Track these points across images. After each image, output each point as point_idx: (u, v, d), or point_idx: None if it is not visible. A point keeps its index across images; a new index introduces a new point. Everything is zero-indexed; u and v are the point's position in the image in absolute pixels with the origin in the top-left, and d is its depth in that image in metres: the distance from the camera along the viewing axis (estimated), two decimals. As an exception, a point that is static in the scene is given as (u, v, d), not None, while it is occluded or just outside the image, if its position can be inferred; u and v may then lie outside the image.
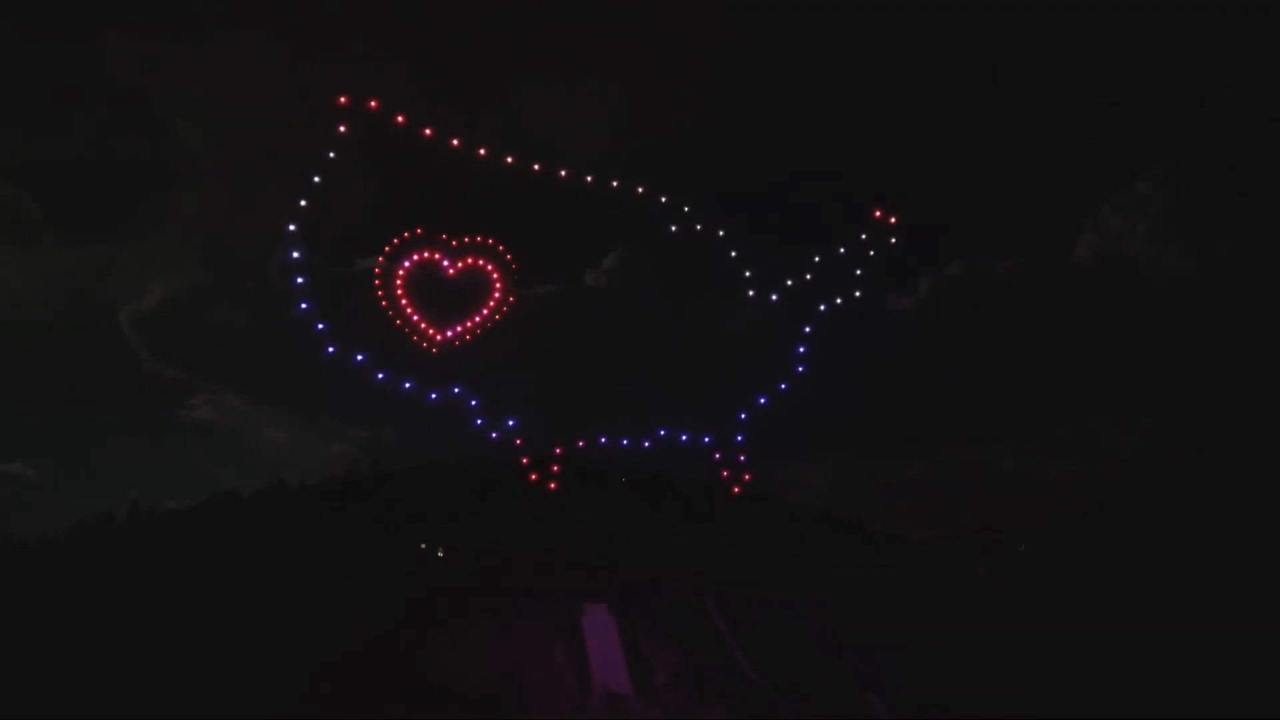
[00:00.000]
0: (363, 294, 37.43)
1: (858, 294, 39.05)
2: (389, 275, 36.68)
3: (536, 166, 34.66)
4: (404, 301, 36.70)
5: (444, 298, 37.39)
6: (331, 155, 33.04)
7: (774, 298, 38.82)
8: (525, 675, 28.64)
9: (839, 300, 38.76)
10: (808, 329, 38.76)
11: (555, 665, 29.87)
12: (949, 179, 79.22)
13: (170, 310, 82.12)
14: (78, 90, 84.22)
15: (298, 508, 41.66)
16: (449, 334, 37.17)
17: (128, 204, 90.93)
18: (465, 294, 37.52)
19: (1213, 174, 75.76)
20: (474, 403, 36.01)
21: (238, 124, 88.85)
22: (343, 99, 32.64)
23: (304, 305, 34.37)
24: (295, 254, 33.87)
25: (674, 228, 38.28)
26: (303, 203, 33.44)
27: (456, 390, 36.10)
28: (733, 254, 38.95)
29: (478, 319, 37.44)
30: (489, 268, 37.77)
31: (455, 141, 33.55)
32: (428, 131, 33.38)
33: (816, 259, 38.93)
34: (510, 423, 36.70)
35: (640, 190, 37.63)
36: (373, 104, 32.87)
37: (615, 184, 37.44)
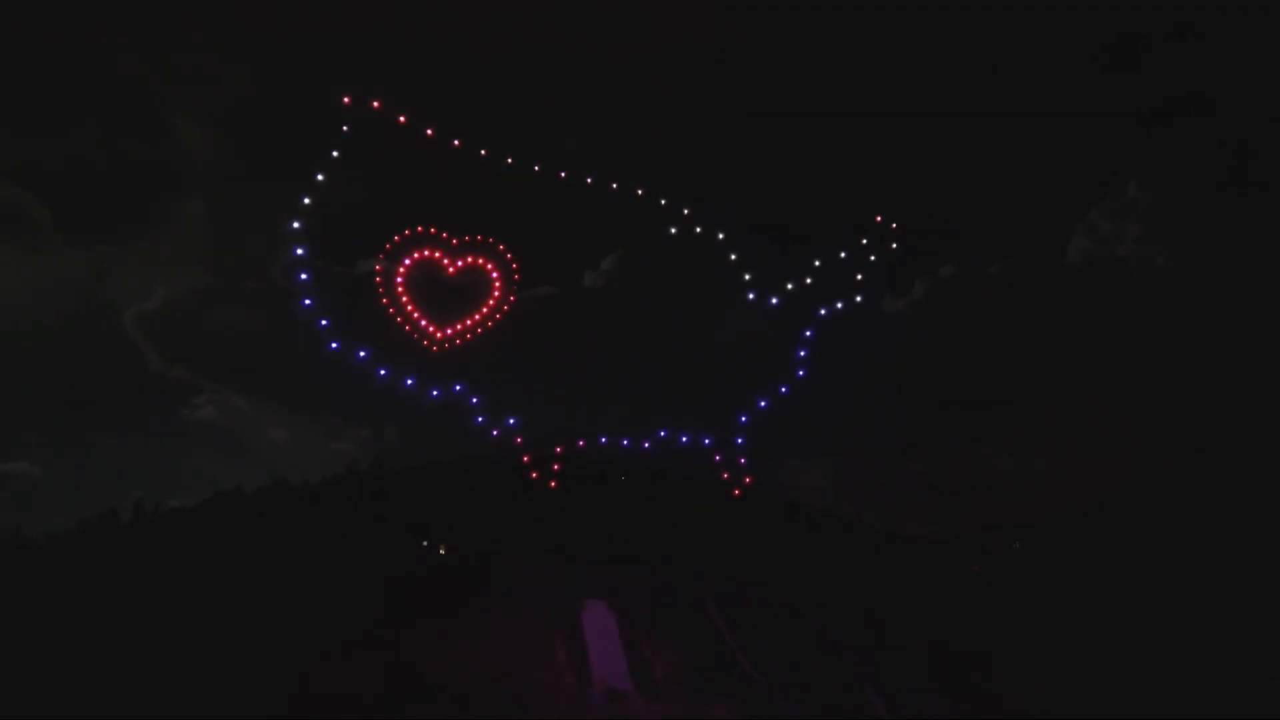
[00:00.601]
0: (364, 293, 37.40)
1: (859, 299, 38.97)
2: (389, 273, 36.65)
3: (537, 167, 34.59)
4: (404, 299, 36.67)
5: (444, 296, 37.36)
6: (335, 154, 33.00)
7: (774, 301, 38.74)
8: (525, 672, 28.50)
9: (840, 305, 38.67)
10: (808, 333, 38.70)
11: (555, 662, 29.72)
12: (944, 181, 79.16)
13: (174, 311, 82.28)
14: (83, 94, 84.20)
15: (300, 506, 41.61)
16: (449, 331, 37.13)
17: (132, 206, 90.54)
18: (466, 292, 37.50)
19: (1202, 177, 76.03)
20: (475, 400, 35.97)
21: (240, 126, 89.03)
22: (346, 99, 32.61)
23: (307, 301, 34.35)
24: (299, 251, 33.86)
25: (673, 230, 38.20)
26: (306, 200, 33.41)
27: (458, 388, 36.06)
28: (732, 257, 38.90)
29: (478, 317, 37.41)
30: (489, 266, 37.75)
31: (456, 142, 33.51)
32: (429, 131, 33.34)
33: (817, 263, 38.86)
34: (510, 421, 36.66)
35: (640, 192, 37.56)
36: (375, 104, 32.83)
37: (615, 185, 37.39)
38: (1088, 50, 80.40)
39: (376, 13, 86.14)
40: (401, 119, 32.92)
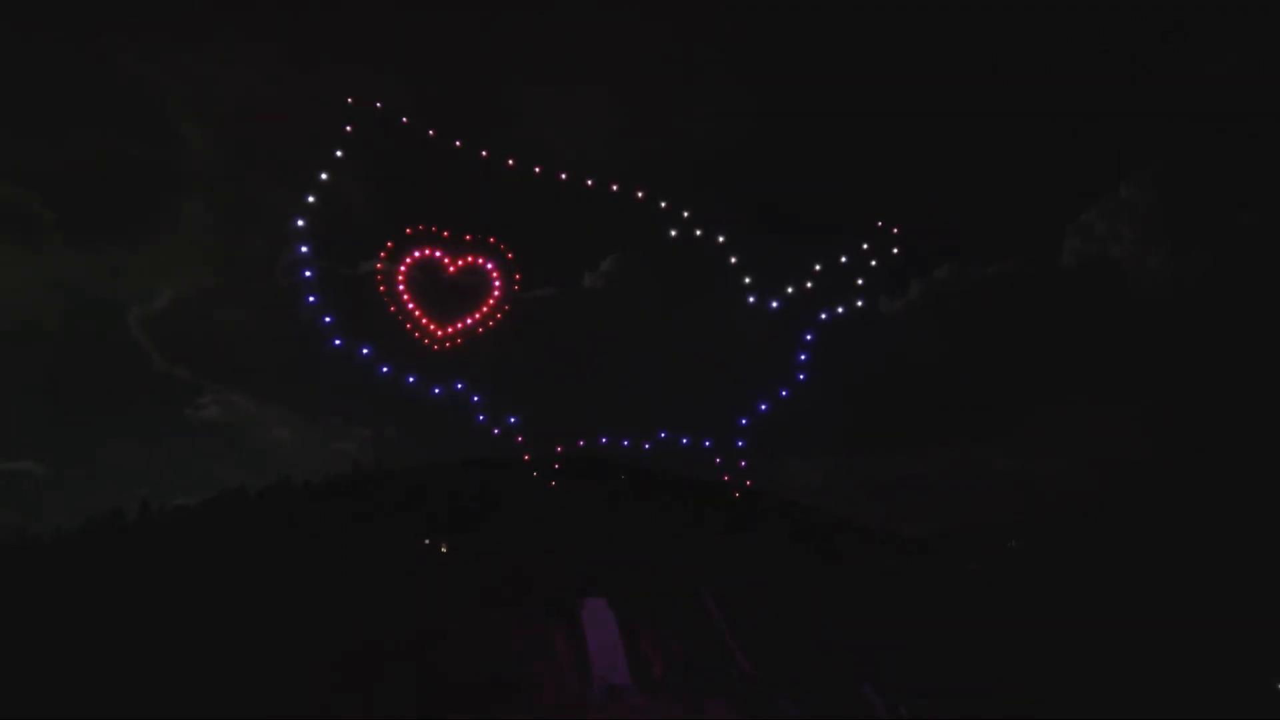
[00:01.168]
0: (366, 293, 37.39)
1: (859, 303, 38.72)
2: (390, 272, 36.63)
3: (538, 169, 34.51)
4: (405, 297, 36.65)
5: (445, 295, 37.34)
6: (339, 154, 33.00)
7: (774, 304, 38.55)
8: (526, 667, 28.47)
9: (840, 310, 38.46)
10: (809, 337, 38.51)
11: (555, 659, 29.70)
12: (940, 183, 79.24)
13: (178, 312, 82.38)
14: (86, 95, 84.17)
15: (303, 504, 41.62)
16: (450, 330, 37.11)
17: (136, 208, 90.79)
18: (466, 291, 37.48)
19: (1195, 179, 76.13)
20: (476, 399, 35.95)
21: (243, 128, 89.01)
22: (350, 99, 32.59)
23: (311, 298, 34.40)
24: (304, 248, 33.90)
25: (673, 232, 38.03)
26: (310, 199, 33.42)
27: (459, 386, 36.05)
28: (732, 259, 38.70)
29: (478, 316, 37.37)
30: (489, 266, 37.71)
31: (458, 143, 33.48)
32: (431, 132, 33.30)
33: (817, 267, 38.64)
34: (511, 420, 36.65)
35: (640, 194, 37.39)
36: (378, 105, 32.82)
37: (615, 187, 37.28)
38: (1083, 52, 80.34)
39: (378, 14, 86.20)
40: (404, 119, 32.87)
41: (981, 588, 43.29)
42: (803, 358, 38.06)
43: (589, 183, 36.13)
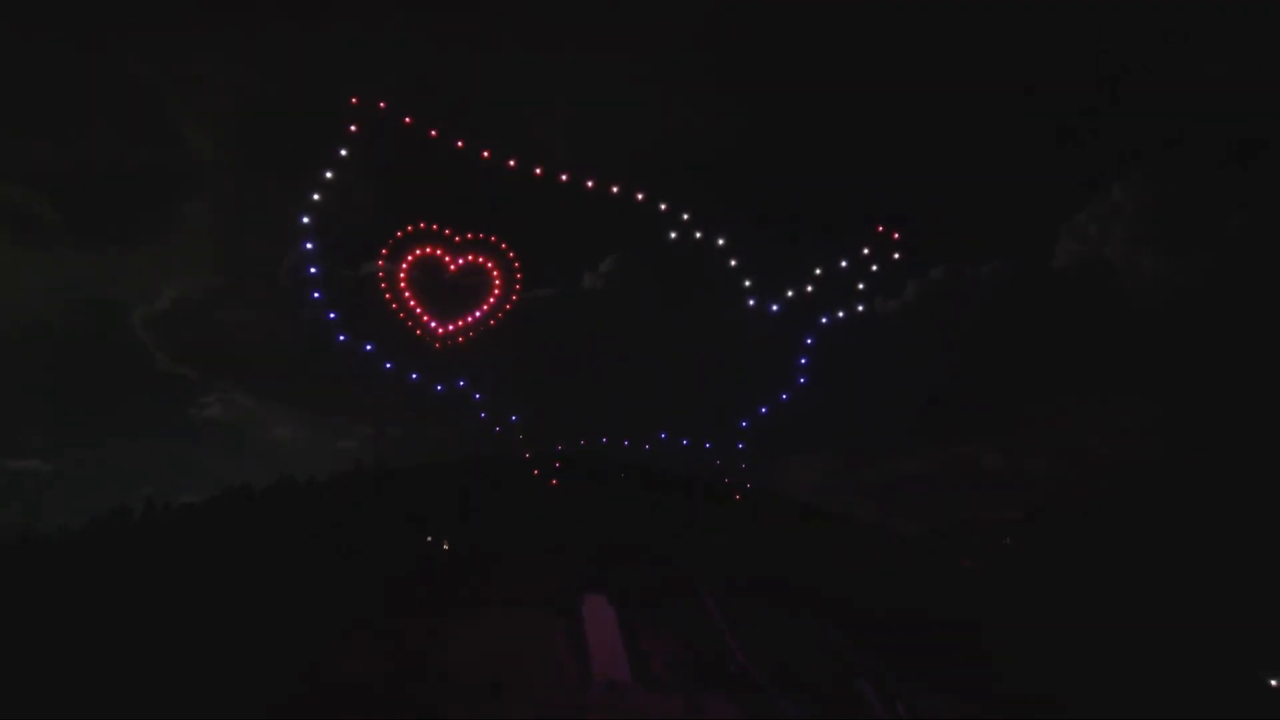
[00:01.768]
0: (369, 294, 37.36)
1: (860, 308, 38.39)
2: (392, 270, 36.58)
3: (538, 170, 34.36)
4: (407, 295, 36.60)
5: (447, 293, 37.28)
6: (343, 153, 32.93)
7: (774, 308, 38.30)
8: (527, 663, 28.48)
9: (841, 314, 38.11)
10: (809, 341, 38.27)
11: (556, 654, 29.73)
12: (934, 186, 79.26)
13: (182, 312, 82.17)
14: (92, 99, 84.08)
15: (307, 502, 41.61)
16: (451, 328, 37.05)
17: (141, 209, 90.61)
18: (468, 290, 37.42)
19: (1187, 181, 76.24)
20: (478, 396, 35.91)
21: (246, 130, 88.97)
22: (354, 100, 32.51)
23: (316, 295, 34.42)
24: (309, 245, 33.90)
25: (673, 234, 37.73)
26: (315, 196, 33.36)
27: (461, 384, 36.02)
28: (732, 263, 38.33)
29: (479, 314, 37.30)
30: (489, 265, 37.62)
31: (460, 143, 33.36)
32: (433, 133, 33.19)
33: (818, 271, 38.29)
34: (513, 419, 36.61)
35: (640, 196, 37.10)
36: (381, 105, 32.71)
37: (615, 189, 37.05)
38: (1078, 53, 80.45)
39: (379, 15, 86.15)
40: (407, 120, 32.76)
41: (977, 584, 43.35)
42: (803, 361, 37.88)
43: (589, 184, 35.89)
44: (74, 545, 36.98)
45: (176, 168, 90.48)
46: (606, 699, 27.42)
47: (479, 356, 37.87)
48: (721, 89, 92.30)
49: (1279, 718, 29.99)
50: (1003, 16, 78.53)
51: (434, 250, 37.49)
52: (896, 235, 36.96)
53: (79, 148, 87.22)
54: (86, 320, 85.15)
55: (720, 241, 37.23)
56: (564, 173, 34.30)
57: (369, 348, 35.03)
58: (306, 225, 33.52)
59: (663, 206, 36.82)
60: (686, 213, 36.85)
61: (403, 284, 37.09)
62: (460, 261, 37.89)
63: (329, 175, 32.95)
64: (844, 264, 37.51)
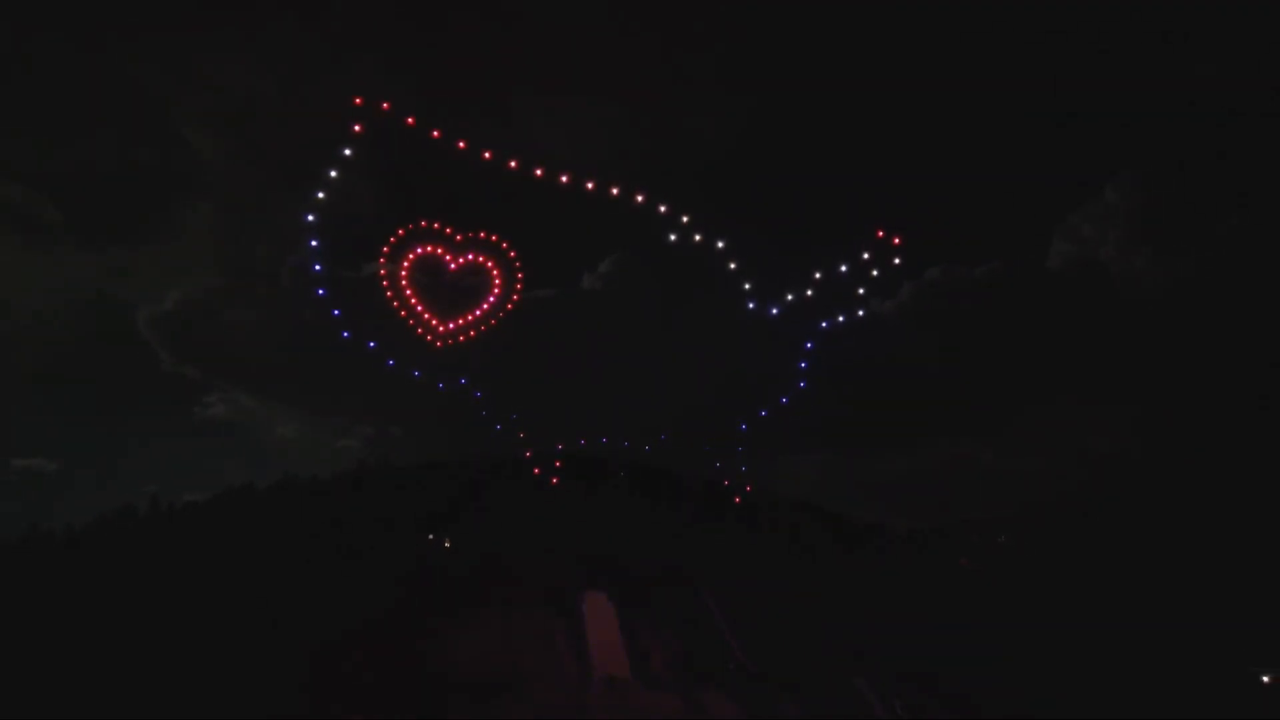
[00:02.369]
0: (371, 295, 37.28)
1: (860, 313, 38.08)
2: (394, 269, 36.48)
3: (539, 172, 34.14)
4: (408, 293, 36.49)
5: (447, 291, 37.18)
6: (348, 152, 32.76)
7: (774, 311, 38.00)
8: (528, 661, 28.47)
9: (841, 319, 37.82)
10: (809, 345, 38.04)
11: (557, 651, 29.71)
12: (930, 188, 79.39)
13: (186, 312, 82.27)
14: (96, 101, 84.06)
15: (309, 501, 41.55)
16: (452, 326, 36.94)
17: (145, 210, 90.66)
18: (469, 289, 37.29)
19: (1178, 182, 76.37)
20: (479, 395, 35.83)
21: (249, 132, 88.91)
22: (357, 100, 32.32)
23: (321, 291, 34.35)
24: (314, 243, 33.82)
25: (672, 237, 37.43)
26: (320, 195, 33.24)
27: (463, 381, 35.95)
28: (731, 266, 37.97)
29: (480, 313, 37.17)
30: (489, 264, 37.47)
31: (462, 144, 33.16)
32: (436, 134, 33.02)
33: (817, 275, 37.95)
34: (513, 417, 36.53)
35: (640, 199, 36.81)
36: (385, 106, 32.52)
37: (615, 191, 36.81)
38: (1073, 54, 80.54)
39: (380, 18, 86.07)
40: (410, 120, 32.53)
41: (973, 582, 43.32)
42: (803, 365, 37.66)
43: (589, 185, 35.67)
44: (81, 541, 36.96)
45: (179, 169, 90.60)
46: (607, 695, 27.44)
47: (480, 355, 37.77)
48: (720, 91, 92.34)
49: (1271, 712, 29.96)
50: (998, 20, 78.64)
51: (435, 249, 37.34)
52: (898, 240, 36.59)
53: (83, 149, 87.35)
54: (91, 320, 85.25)
55: (720, 244, 36.97)
56: (564, 174, 34.10)
57: (372, 345, 35.02)
58: (312, 224, 33.41)
59: (662, 208, 36.56)
60: (686, 215, 36.60)
61: (404, 283, 36.97)
62: (461, 260, 37.74)
63: (334, 174, 32.81)
64: (844, 268, 37.18)
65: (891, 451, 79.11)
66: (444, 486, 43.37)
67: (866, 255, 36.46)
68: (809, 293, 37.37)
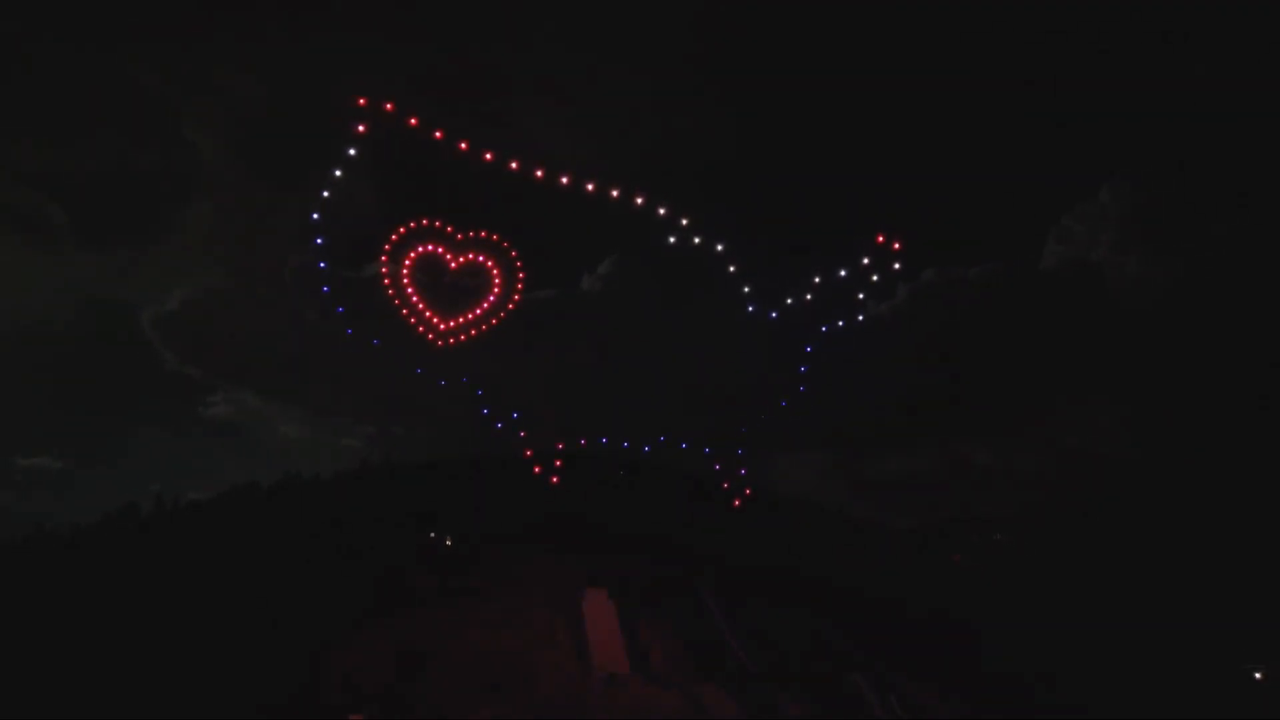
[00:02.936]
0: (373, 296, 37.31)
1: (860, 318, 37.89)
2: (395, 267, 36.50)
3: (540, 173, 34.09)
4: (410, 291, 36.49)
5: (449, 290, 37.18)
6: (352, 152, 32.75)
7: (774, 315, 37.87)
8: (529, 659, 28.41)
9: (840, 323, 37.66)
10: (809, 349, 37.94)
11: (557, 648, 29.69)
12: (925, 189, 79.44)
13: (190, 313, 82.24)
14: (99, 102, 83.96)
15: (312, 500, 41.52)
16: (453, 325, 36.92)
17: (149, 213, 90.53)
18: (470, 287, 37.30)
19: (1172, 184, 76.44)
20: (480, 392, 35.80)
21: (251, 133, 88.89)
22: (361, 100, 32.28)
23: (326, 289, 34.46)
24: (320, 240, 33.89)
25: (671, 239, 37.32)
26: (325, 194, 33.29)
27: (464, 380, 35.94)
28: (731, 269, 37.84)
29: (480, 312, 37.15)
30: (489, 264, 37.43)
31: (464, 145, 33.13)
32: (439, 134, 32.99)
33: (817, 280, 37.79)
34: (514, 415, 36.48)
35: (640, 201, 36.70)
36: (388, 106, 32.48)
37: (615, 193, 36.73)
38: (1065, 59, 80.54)
39: (381, 19, 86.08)
40: (413, 121, 32.48)
41: (969, 580, 43.37)
42: (802, 369, 37.56)
43: (589, 187, 35.60)
44: (85, 542, 36.90)
45: (182, 171, 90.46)
46: (606, 691, 27.41)
47: (481, 354, 37.73)
48: (719, 93, 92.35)
49: (1266, 710, 29.98)
50: (994, 20, 78.68)
51: (436, 248, 37.32)
52: (898, 246, 36.40)
53: (86, 151, 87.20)
54: (94, 321, 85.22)
55: (719, 248, 36.86)
56: (564, 175, 34.04)
57: (376, 342, 35.12)
58: (317, 222, 33.47)
59: (662, 211, 36.45)
60: (686, 218, 36.48)
61: (405, 281, 36.96)
62: (462, 259, 37.74)
63: (338, 174, 32.85)
64: (843, 273, 36.98)
65: (889, 451, 79.19)
66: (445, 485, 43.34)
67: (867, 261, 36.33)
68: (808, 297, 37.29)
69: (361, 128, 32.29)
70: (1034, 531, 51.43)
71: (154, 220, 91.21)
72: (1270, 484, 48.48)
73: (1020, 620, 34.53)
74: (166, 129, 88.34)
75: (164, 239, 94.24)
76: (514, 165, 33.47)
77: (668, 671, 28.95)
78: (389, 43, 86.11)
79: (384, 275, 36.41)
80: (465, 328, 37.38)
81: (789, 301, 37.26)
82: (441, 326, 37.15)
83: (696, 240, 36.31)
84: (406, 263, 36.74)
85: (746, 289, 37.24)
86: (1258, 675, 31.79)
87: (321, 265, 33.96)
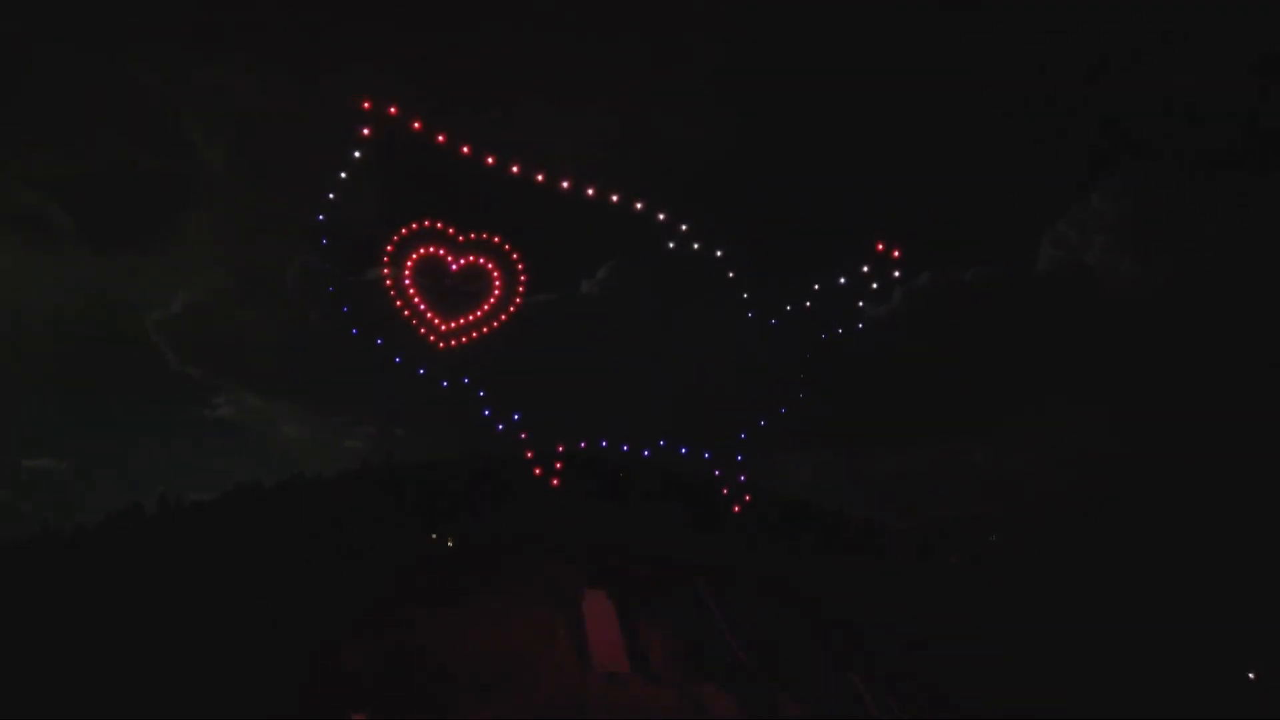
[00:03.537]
0: (375, 294, 37.26)
1: (860, 325, 37.64)
2: (397, 269, 36.43)
3: (540, 177, 33.99)
4: (411, 291, 36.42)
5: (450, 291, 37.10)
6: (356, 155, 32.74)
7: (773, 322, 37.67)
8: (529, 658, 28.32)
9: (840, 330, 37.44)
10: (807, 355, 37.75)
11: (557, 647, 29.57)
12: (921, 193, 79.45)
13: (193, 315, 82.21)
14: (105, 108, 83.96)
15: (315, 500, 41.45)
16: (454, 325, 36.84)
17: (152, 215, 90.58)
18: (472, 289, 37.22)
19: (1164, 188, 76.44)
20: (481, 393, 35.71)
21: (255, 138, 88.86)
22: (366, 104, 32.23)
23: (332, 289, 34.47)
24: (325, 240, 33.95)
25: (671, 244, 37.12)
26: (330, 196, 33.29)
27: (465, 380, 35.84)
28: (730, 275, 37.58)
29: (481, 314, 37.05)
30: (490, 265, 37.32)
31: (466, 149, 33.06)
32: (441, 138, 32.93)
33: (816, 286, 37.53)
34: (515, 416, 36.37)
35: (639, 206, 36.48)
36: (392, 110, 32.45)
37: (615, 198, 36.54)
38: (1059, 63, 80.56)
39: (385, 29, 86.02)
40: (416, 124, 32.41)
41: (965, 579, 43.27)
42: (802, 375, 37.39)
43: (589, 192, 35.46)
44: (90, 540, 36.85)
45: (186, 174, 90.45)
46: (606, 690, 27.30)
47: (481, 357, 37.61)
48: (719, 95, 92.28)
49: (1264, 710, 29.89)
50: (990, 23, 78.71)
51: (437, 250, 37.24)
52: (897, 254, 36.11)
53: (90, 155, 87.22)
54: (98, 323, 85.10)
55: (719, 253, 36.66)
56: (565, 180, 33.94)
57: (380, 341, 35.10)
58: (323, 223, 33.49)
59: (661, 216, 36.24)
60: (685, 223, 36.26)
61: (407, 282, 36.88)
62: (463, 261, 37.65)
63: (343, 176, 32.85)
64: (842, 280, 36.72)
65: (885, 451, 79.09)
66: (446, 486, 43.26)
67: (866, 269, 36.09)
68: (807, 304, 37.09)
69: (366, 130, 32.23)
70: (1030, 532, 51.35)
71: (157, 223, 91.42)
72: (1266, 484, 48.46)
73: (1019, 620, 34.39)
74: (167, 130, 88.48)
75: (167, 242, 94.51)
76: (515, 169, 33.36)
77: (667, 671, 28.80)
78: (391, 45, 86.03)
79: (386, 277, 36.32)
80: (467, 329, 37.24)
81: (788, 308, 37.05)
82: (443, 328, 37.04)
83: (696, 246, 36.14)
84: (409, 264, 36.64)
85: (745, 295, 37.09)
86: (1251, 675, 31.72)
87: (327, 266, 33.94)
